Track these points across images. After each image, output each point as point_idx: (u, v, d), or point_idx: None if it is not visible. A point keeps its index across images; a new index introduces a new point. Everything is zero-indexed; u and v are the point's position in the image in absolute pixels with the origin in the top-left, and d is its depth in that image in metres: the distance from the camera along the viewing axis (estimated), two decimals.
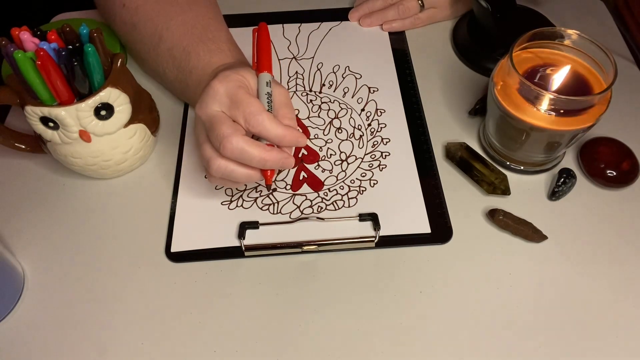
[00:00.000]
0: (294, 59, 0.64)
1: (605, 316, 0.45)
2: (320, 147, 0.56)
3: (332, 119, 0.58)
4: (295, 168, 0.54)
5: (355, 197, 0.52)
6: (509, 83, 0.48)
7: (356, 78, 0.62)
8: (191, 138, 0.57)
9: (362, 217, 0.50)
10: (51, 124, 0.46)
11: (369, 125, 0.58)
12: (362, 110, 0.59)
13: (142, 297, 0.47)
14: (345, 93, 0.61)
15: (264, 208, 0.52)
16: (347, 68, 0.63)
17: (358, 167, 0.54)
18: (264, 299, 0.46)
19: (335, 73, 0.62)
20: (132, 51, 0.59)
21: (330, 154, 0.55)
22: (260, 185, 0.53)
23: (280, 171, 0.54)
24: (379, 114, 0.58)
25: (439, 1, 0.66)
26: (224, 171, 0.43)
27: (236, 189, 0.53)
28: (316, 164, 0.55)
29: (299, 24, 0.68)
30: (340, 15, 0.68)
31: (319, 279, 0.47)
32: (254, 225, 0.50)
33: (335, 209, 0.51)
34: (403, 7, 0.65)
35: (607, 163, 0.51)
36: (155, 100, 0.55)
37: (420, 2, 0.65)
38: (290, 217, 0.51)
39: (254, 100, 0.42)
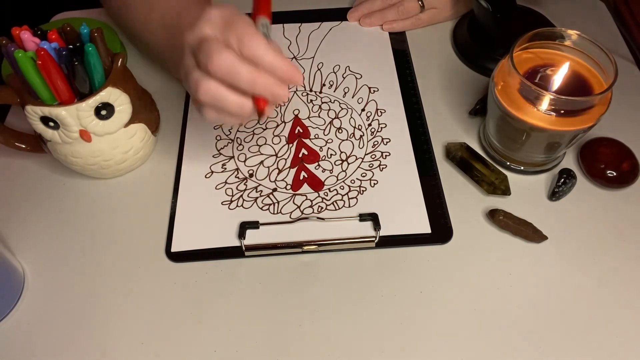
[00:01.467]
0: (294, 59, 0.64)
1: (605, 316, 0.45)
2: (321, 147, 0.56)
3: (333, 119, 0.58)
4: (296, 168, 0.54)
5: (356, 197, 0.52)
6: (510, 83, 0.48)
7: (356, 78, 0.62)
8: (192, 138, 0.57)
9: (363, 217, 0.50)
10: (51, 124, 0.46)
11: (369, 125, 0.58)
12: (363, 110, 0.59)
13: (142, 297, 0.47)
14: (345, 93, 0.61)
15: (264, 208, 0.52)
16: (348, 68, 0.63)
17: (358, 167, 0.54)
18: (264, 298, 0.46)
19: (335, 73, 0.62)
20: (125, 28, 0.58)
21: (331, 154, 0.55)
22: (260, 185, 0.53)
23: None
24: (379, 114, 0.58)
25: (439, 2, 0.65)
26: (214, 94, 0.40)
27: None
28: (316, 164, 0.55)
29: (299, 24, 0.68)
30: (340, 15, 0.68)
31: (319, 279, 0.47)
32: (254, 225, 0.50)
33: (336, 209, 0.51)
34: (403, 8, 0.65)
35: (607, 163, 0.51)
36: (156, 100, 0.56)
37: (420, 2, 0.65)
38: (290, 217, 0.51)
39: (250, 23, 0.39)
